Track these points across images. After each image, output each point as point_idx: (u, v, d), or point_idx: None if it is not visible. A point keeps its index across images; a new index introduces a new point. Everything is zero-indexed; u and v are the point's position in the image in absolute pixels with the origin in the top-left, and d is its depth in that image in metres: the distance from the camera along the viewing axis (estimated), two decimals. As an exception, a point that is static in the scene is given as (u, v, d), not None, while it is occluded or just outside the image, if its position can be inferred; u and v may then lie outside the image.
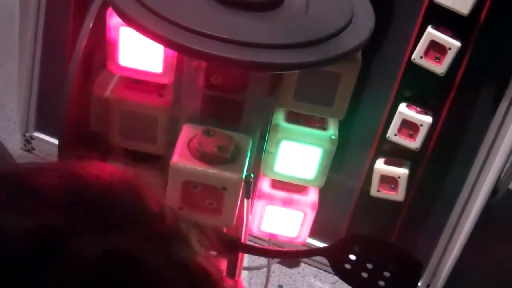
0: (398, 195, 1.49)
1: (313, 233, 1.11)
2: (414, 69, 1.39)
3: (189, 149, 0.80)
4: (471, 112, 1.44)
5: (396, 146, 1.49)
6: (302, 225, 0.93)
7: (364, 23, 0.77)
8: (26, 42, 2.33)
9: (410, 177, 1.48)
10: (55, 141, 2.29)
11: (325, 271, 1.75)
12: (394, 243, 1.35)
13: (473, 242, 1.43)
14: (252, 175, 0.83)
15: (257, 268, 1.87)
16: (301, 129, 0.83)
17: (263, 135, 0.87)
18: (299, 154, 0.85)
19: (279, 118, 0.84)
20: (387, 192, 1.50)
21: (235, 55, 0.67)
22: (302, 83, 0.79)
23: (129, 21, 0.69)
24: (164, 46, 0.69)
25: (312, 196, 0.91)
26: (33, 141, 2.27)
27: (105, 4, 0.79)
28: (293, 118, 0.84)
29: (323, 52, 0.71)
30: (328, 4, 0.79)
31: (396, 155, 1.53)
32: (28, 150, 1.94)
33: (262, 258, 1.91)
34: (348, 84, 0.78)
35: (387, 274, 0.80)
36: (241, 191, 0.81)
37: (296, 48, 0.70)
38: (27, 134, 2.27)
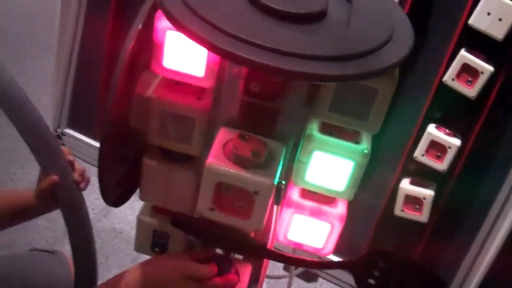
0: (422, 216, 1.49)
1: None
2: (445, 91, 1.40)
3: (224, 151, 0.82)
4: (500, 136, 1.44)
5: (422, 166, 1.50)
6: (328, 236, 0.94)
7: (404, 40, 0.79)
8: (65, 42, 2.40)
9: (436, 199, 1.48)
10: (85, 139, 2.34)
11: (342, 288, 1.76)
12: (418, 261, 1.35)
13: (498, 263, 1.43)
14: (283, 182, 0.85)
15: (277, 277, 1.89)
16: (334, 140, 0.85)
17: (296, 144, 0.89)
18: (330, 166, 0.86)
19: (313, 128, 0.86)
20: (411, 212, 1.51)
21: (277, 64, 0.69)
22: (339, 95, 0.81)
23: (178, 25, 0.71)
24: (209, 51, 0.71)
25: (341, 208, 0.92)
26: (64, 137, 2.33)
27: (154, 7, 0.82)
28: (327, 129, 0.86)
29: (362, 66, 0.73)
30: (369, 21, 0.81)
31: (422, 175, 1.53)
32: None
33: (282, 268, 1.92)
34: (385, 100, 0.80)
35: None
36: (271, 196, 0.83)
37: (336, 61, 0.72)
38: (58, 130, 2.32)
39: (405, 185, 1.52)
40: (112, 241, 2.20)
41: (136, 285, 0.89)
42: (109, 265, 2.09)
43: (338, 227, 0.93)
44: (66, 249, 2.04)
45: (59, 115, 2.33)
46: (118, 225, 2.27)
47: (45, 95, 2.51)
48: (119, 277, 0.91)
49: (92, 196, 2.32)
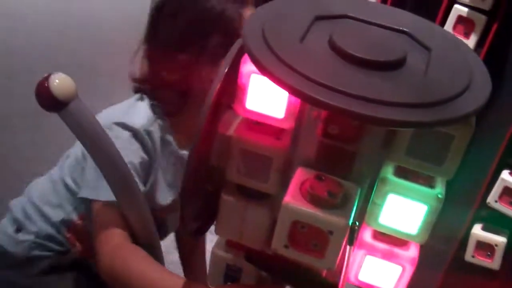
0: (494, 263, 1.47)
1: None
2: (520, 137, 1.38)
3: (300, 191, 0.85)
4: None
5: (495, 213, 1.48)
6: (399, 279, 0.95)
7: (481, 90, 0.80)
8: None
9: (508, 246, 1.46)
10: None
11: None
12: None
13: None
14: (357, 223, 0.87)
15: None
16: (409, 184, 0.87)
17: (371, 186, 0.91)
18: (404, 209, 0.88)
19: (388, 171, 0.88)
20: (483, 259, 1.49)
21: (357, 109, 0.72)
22: (415, 140, 0.83)
23: (264, 70, 0.76)
24: (291, 95, 0.76)
25: (413, 251, 0.93)
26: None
27: (240, 51, 0.87)
28: (402, 172, 0.88)
29: (439, 114, 0.75)
30: (447, 69, 0.83)
31: (494, 222, 1.51)
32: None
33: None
34: (460, 146, 0.82)
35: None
36: (345, 237, 0.85)
37: (414, 108, 0.75)
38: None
39: (477, 230, 1.50)
40: (182, 274, 2.25)
41: None
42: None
43: (410, 270, 0.93)
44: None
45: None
46: (188, 259, 2.31)
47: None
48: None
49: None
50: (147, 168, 1.39)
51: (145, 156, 1.37)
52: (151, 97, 1.44)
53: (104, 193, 1.24)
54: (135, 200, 1.18)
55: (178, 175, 1.50)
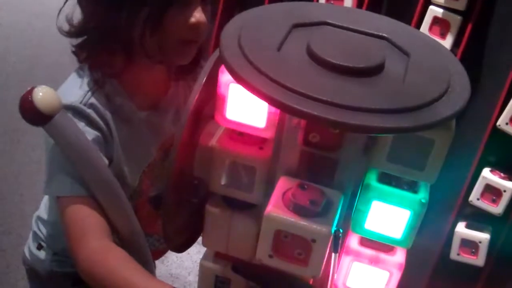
0: (479, 260, 1.48)
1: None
2: (499, 135, 1.39)
3: (283, 200, 0.85)
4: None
5: (478, 210, 1.49)
6: (387, 284, 0.94)
7: (460, 93, 0.80)
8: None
9: (492, 242, 1.46)
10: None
11: None
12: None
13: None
14: (341, 230, 0.87)
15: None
16: (392, 190, 0.86)
17: (354, 193, 0.91)
18: (388, 214, 0.87)
19: (371, 178, 0.88)
20: (468, 256, 1.49)
21: (334, 116, 0.72)
22: (396, 146, 0.83)
23: (240, 79, 0.76)
24: (269, 104, 0.75)
25: (399, 256, 0.93)
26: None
27: (217, 62, 0.87)
28: (385, 179, 0.88)
29: (417, 119, 0.75)
30: (426, 74, 0.83)
31: (477, 219, 1.52)
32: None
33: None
34: (441, 150, 0.81)
35: None
36: (329, 244, 0.85)
37: (392, 113, 0.74)
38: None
39: (461, 229, 1.51)
40: (166, 270, 2.24)
41: None
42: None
43: (397, 275, 0.93)
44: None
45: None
46: (175, 271, 2.30)
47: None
48: None
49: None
50: (104, 144, 1.21)
51: (95, 132, 1.18)
52: (90, 62, 1.22)
53: (69, 187, 1.12)
54: (125, 213, 1.16)
55: (146, 140, 1.33)
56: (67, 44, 1.22)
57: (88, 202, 1.11)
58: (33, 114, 1.01)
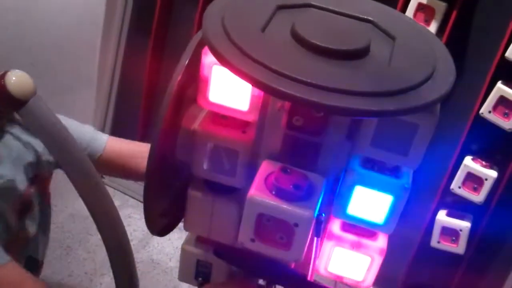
0: (459, 248, 1.48)
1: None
2: (482, 123, 1.40)
3: (266, 184, 0.84)
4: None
5: (459, 198, 1.49)
6: (369, 269, 0.94)
7: (445, 78, 0.80)
8: (105, 74, 2.47)
9: (472, 231, 1.47)
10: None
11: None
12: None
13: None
14: (323, 215, 0.86)
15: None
16: (375, 175, 0.86)
17: (337, 178, 0.90)
18: (371, 199, 0.87)
19: (355, 163, 0.87)
20: (448, 244, 1.50)
21: (318, 99, 0.71)
22: (380, 131, 0.82)
23: (224, 61, 0.74)
24: (253, 86, 0.74)
25: (381, 242, 0.93)
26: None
27: (200, 43, 0.85)
28: (368, 164, 0.87)
29: (403, 102, 0.74)
30: (411, 58, 0.82)
31: (459, 207, 1.53)
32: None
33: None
34: (425, 135, 0.81)
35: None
36: (311, 229, 0.84)
37: (377, 97, 0.74)
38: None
39: (442, 216, 1.51)
40: (151, 273, 2.23)
41: None
42: (147, 296, 2.12)
43: (379, 260, 0.93)
44: (105, 281, 2.08)
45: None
46: (156, 257, 2.29)
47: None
48: None
49: (131, 228, 2.36)
50: None
51: None
52: None
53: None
54: (101, 195, 1.13)
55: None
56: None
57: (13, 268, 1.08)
58: (6, 99, 0.99)
